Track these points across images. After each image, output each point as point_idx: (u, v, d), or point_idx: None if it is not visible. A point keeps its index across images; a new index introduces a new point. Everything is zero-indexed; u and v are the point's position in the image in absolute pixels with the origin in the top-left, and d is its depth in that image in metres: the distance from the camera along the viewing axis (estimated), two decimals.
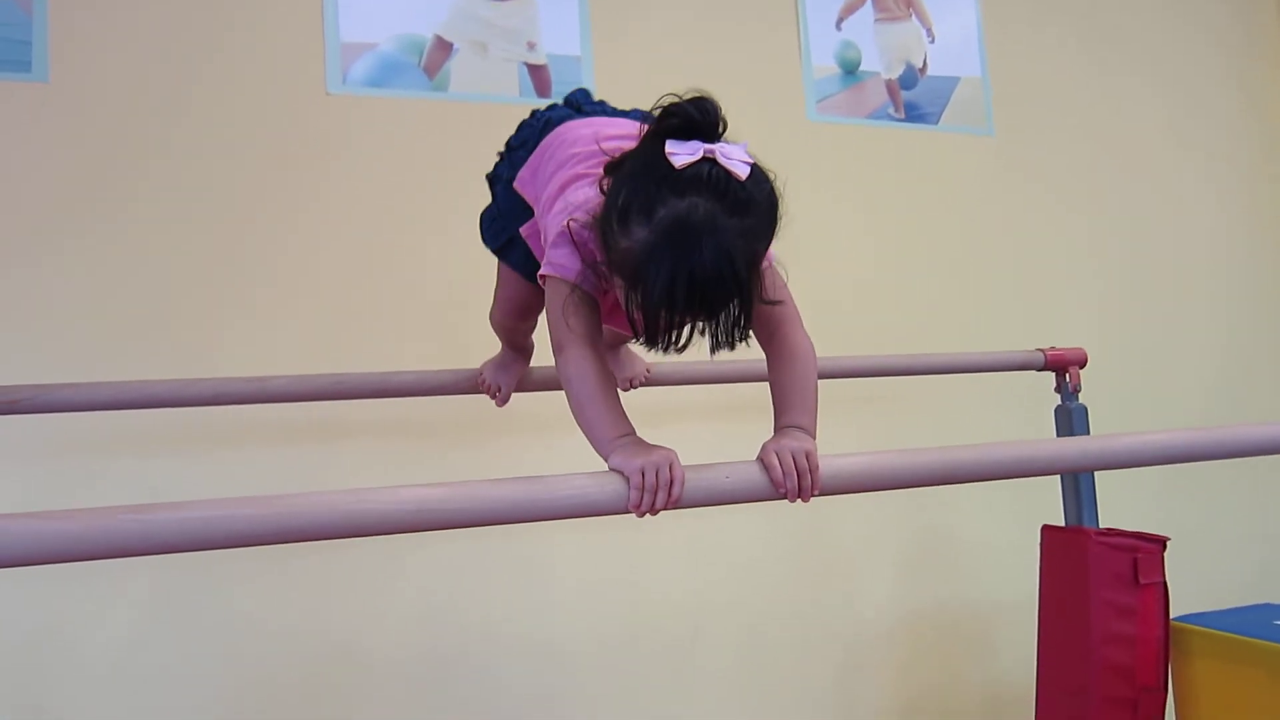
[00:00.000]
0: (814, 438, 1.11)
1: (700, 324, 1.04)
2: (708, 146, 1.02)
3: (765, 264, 1.13)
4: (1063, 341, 2.19)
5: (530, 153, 1.40)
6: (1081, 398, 2.04)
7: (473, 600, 2.17)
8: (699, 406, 2.25)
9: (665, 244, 0.99)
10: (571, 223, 1.14)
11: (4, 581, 1.86)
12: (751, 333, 1.07)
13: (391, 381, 1.65)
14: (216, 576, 2.00)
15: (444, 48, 2.28)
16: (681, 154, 1.01)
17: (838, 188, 2.61)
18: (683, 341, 1.05)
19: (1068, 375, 2.05)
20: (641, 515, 1.03)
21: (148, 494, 1.85)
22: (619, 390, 1.59)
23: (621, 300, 1.06)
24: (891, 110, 2.72)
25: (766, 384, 1.20)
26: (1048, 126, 2.89)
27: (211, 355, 2.01)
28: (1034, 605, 2.07)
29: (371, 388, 1.65)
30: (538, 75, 2.34)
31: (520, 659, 2.19)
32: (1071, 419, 2.03)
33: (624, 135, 1.22)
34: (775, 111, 2.57)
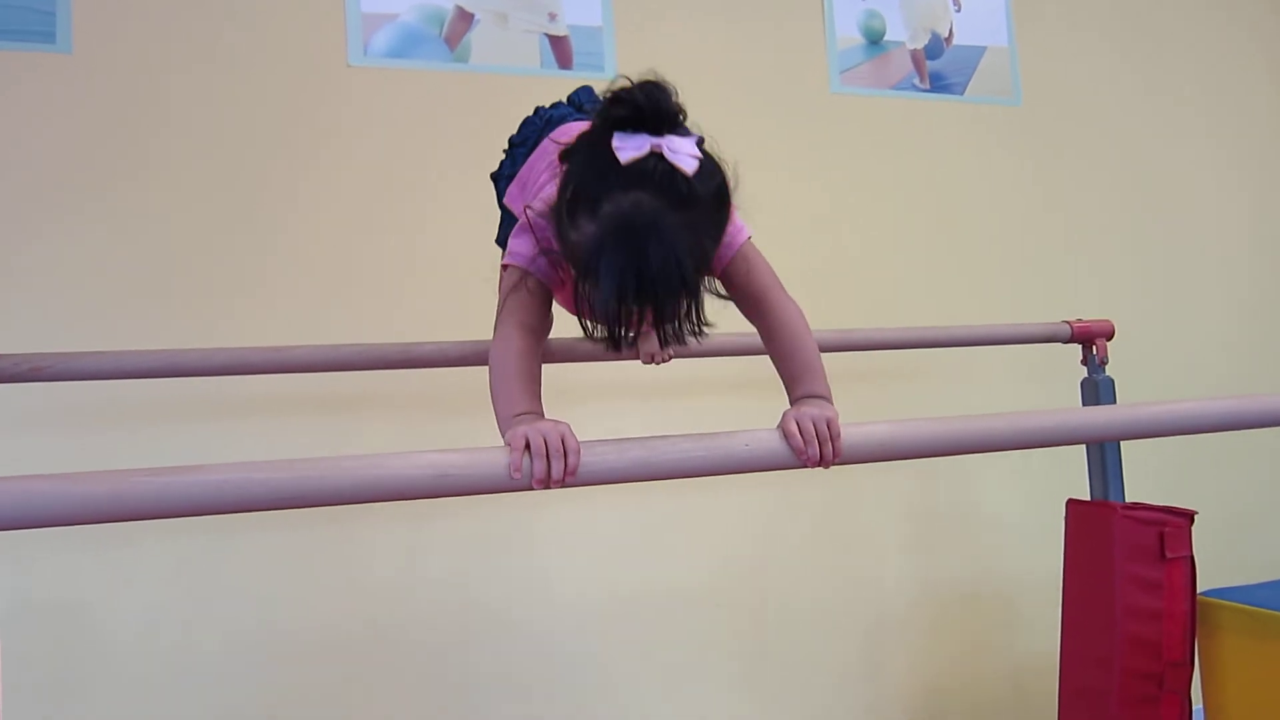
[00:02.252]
0: (832, 403, 1.10)
1: (651, 318, 1.03)
2: (655, 141, 0.99)
3: (739, 242, 1.13)
4: (1089, 313, 2.16)
5: (530, 151, 1.39)
6: (1108, 370, 2.02)
7: (492, 569, 2.19)
8: (722, 380, 2.24)
9: (611, 240, 0.98)
10: (529, 210, 1.13)
11: (30, 550, 1.89)
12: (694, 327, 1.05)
13: (413, 353, 1.65)
14: (239, 547, 2.02)
15: (465, 19, 2.27)
16: (627, 149, 0.99)
17: (861, 161, 2.58)
18: (634, 335, 1.04)
19: (1094, 347, 2.03)
20: (542, 487, 0.96)
21: (166, 461, 1.86)
22: (649, 362, 1.60)
23: (577, 287, 1.05)
24: (916, 81, 2.68)
25: None
26: (1076, 96, 2.84)
27: (228, 324, 2.03)
28: (1058, 580, 2.06)
29: (393, 359, 1.65)
30: (559, 46, 2.33)
31: (536, 629, 2.21)
32: (1099, 391, 2.01)
33: None
34: (798, 84, 2.53)
